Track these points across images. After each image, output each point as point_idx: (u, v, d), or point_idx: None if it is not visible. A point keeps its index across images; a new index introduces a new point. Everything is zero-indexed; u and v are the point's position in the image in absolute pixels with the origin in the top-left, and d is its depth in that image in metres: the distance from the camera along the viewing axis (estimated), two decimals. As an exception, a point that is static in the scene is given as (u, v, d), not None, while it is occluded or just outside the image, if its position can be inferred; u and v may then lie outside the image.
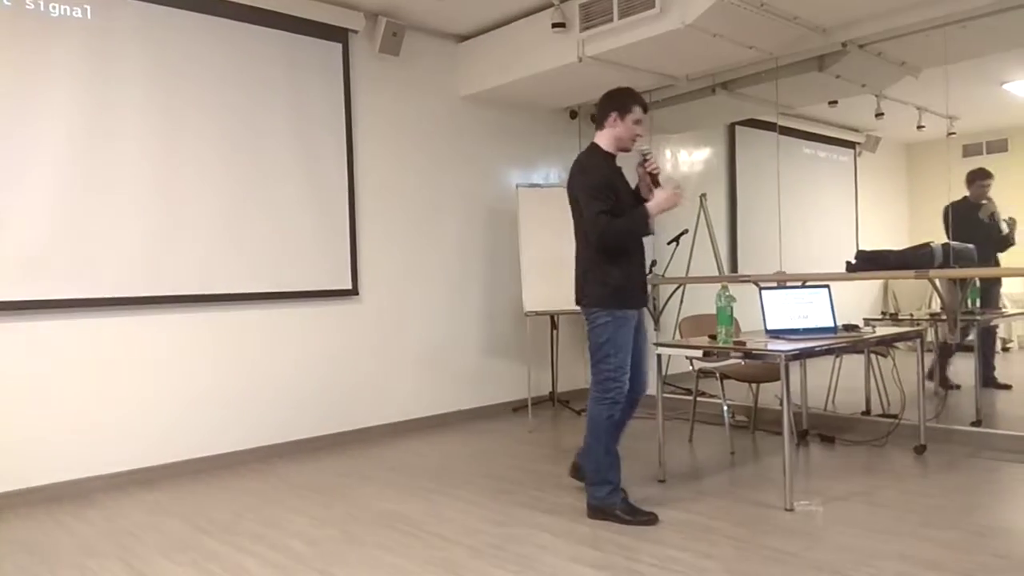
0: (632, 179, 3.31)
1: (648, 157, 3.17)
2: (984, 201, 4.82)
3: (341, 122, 4.89)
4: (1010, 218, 4.78)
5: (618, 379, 3.14)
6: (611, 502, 3.14)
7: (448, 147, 5.52)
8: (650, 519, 3.09)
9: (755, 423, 4.83)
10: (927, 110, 5.21)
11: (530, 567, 2.69)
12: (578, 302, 3.25)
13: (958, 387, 4.84)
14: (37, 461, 3.74)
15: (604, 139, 3.21)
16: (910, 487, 3.52)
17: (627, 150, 3.20)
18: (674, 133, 6.25)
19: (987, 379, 4.88)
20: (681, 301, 5.51)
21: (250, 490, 3.83)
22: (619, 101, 3.17)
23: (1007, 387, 4.81)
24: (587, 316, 3.19)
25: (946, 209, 4.70)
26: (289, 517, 3.36)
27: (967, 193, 4.89)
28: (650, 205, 3.08)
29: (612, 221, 3.05)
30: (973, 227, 4.71)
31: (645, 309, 3.40)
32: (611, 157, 3.21)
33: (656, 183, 3.15)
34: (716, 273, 5.67)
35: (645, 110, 3.19)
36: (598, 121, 3.25)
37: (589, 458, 3.23)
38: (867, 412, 4.79)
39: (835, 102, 5.60)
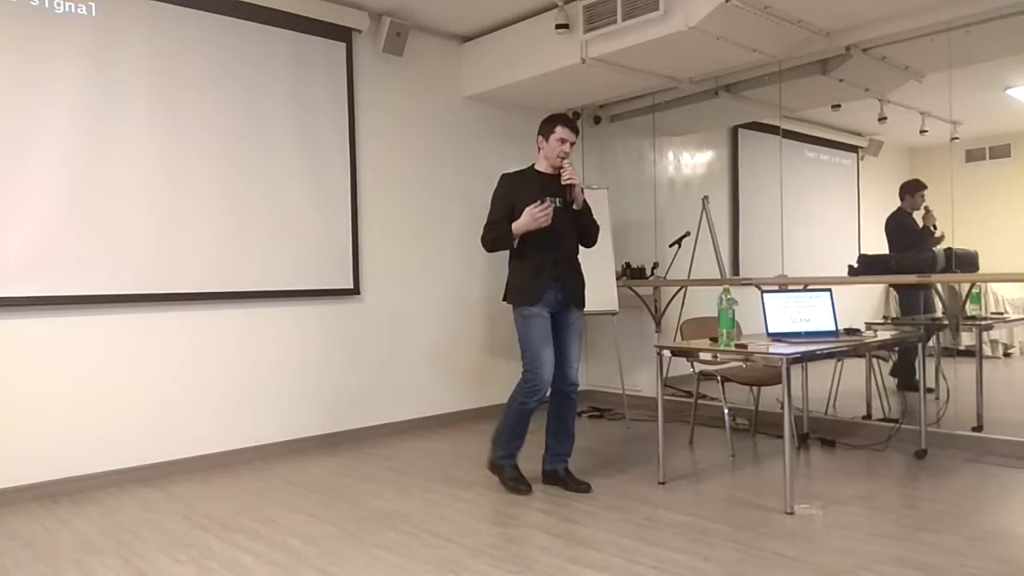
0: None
1: (563, 172, 3.52)
2: (918, 210, 4.99)
3: (344, 121, 4.90)
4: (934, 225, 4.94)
5: (533, 371, 3.50)
6: (502, 464, 3.64)
7: (451, 147, 5.52)
8: (523, 490, 3.55)
9: (756, 426, 4.83)
10: (930, 115, 5.20)
11: (529, 568, 2.69)
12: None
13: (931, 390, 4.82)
14: (37, 458, 3.74)
15: (539, 158, 3.67)
16: (910, 491, 3.52)
17: (558, 166, 3.55)
18: (677, 136, 6.25)
19: (907, 383, 4.99)
20: (683, 304, 5.50)
21: (250, 488, 3.84)
22: (544, 126, 3.62)
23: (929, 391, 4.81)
24: None
25: (888, 219, 5.08)
26: (288, 515, 3.36)
27: (901, 204, 5.08)
28: (515, 224, 3.47)
29: (490, 229, 3.59)
30: (911, 235, 4.93)
31: (575, 308, 3.62)
32: (541, 174, 3.64)
33: (572, 192, 3.56)
34: (718, 276, 5.66)
35: (573, 130, 3.58)
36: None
37: (500, 425, 3.66)
38: (868, 416, 4.79)
39: (838, 106, 5.59)
